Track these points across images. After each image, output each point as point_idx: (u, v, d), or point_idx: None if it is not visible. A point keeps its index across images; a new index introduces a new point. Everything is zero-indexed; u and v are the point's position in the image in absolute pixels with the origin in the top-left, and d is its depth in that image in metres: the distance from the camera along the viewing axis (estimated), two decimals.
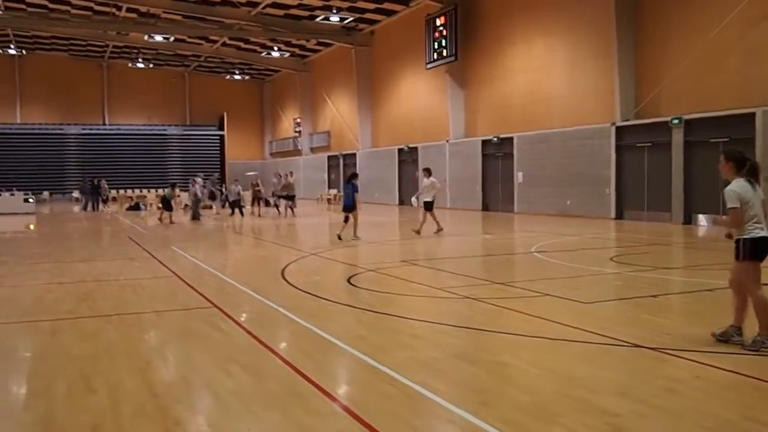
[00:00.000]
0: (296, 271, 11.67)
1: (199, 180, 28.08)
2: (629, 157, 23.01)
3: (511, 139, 27.78)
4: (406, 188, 34.54)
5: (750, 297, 6.19)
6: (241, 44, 43.04)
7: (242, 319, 7.89)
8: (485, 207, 29.73)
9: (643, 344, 6.33)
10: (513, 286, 9.94)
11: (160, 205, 26.24)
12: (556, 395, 4.92)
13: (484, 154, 29.70)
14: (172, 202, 25.81)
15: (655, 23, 21.90)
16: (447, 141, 31.68)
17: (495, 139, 28.62)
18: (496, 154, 29.08)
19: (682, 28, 20.89)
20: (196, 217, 26.20)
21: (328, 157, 43.88)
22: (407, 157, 35.44)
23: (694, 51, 20.28)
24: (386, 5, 33.19)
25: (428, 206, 18.22)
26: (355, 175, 17.61)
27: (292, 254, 14.50)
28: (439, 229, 18.16)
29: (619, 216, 23.26)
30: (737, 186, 6.17)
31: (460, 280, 10.68)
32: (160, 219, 25.06)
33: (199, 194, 27.04)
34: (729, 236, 6.45)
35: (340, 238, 16.43)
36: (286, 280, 10.49)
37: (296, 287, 9.90)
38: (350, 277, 10.78)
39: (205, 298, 9.03)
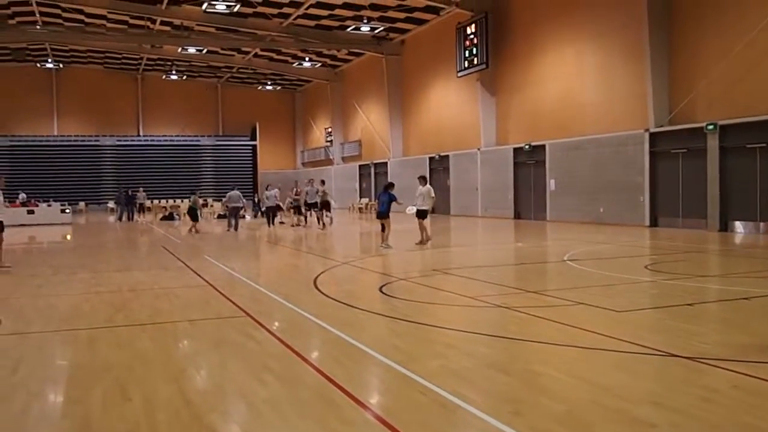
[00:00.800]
0: (328, 280, 11.71)
1: (273, 190, 27.41)
2: (664, 163, 22.74)
3: (543, 146, 27.62)
4: (438, 197, 34.49)
5: None
6: (273, 55, 43.44)
7: (275, 327, 7.94)
8: (517, 215, 29.57)
9: (679, 353, 6.24)
10: (546, 295, 9.87)
11: (188, 216, 26.15)
12: (590, 405, 4.87)
13: (516, 161, 29.57)
14: (199, 212, 25.55)
15: (688, 27, 21.65)
16: (478, 149, 31.61)
17: (527, 146, 28.48)
18: (528, 161, 28.93)
19: (717, 31, 20.62)
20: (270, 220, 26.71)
21: (360, 166, 44.02)
22: (438, 166, 35.41)
23: (729, 55, 20.01)
24: (417, 14, 33.28)
25: (422, 215, 17.87)
26: (391, 185, 17.75)
27: (324, 263, 14.56)
28: (425, 240, 17.58)
29: (654, 223, 22.98)
30: None
31: (493, 288, 10.63)
32: (190, 230, 24.86)
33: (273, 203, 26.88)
34: None
35: (389, 246, 16.64)
36: (318, 289, 10.54)
37: (328, 296, 9.94)
38: (382, 286, 10.79)
39: (238, 307, 9.10)
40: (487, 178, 31.22)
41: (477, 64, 30.66)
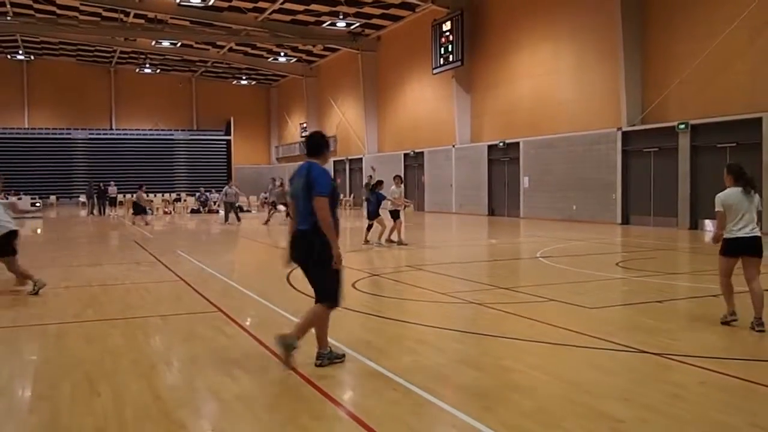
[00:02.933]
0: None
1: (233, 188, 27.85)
2: (636, 162, 22.98)
3: (518, 143, 27.78)
4: (412, 193, 34.55)
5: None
6: (248, 50, 43.17)
7: (247, 323, 7.89)
8: (491, 212, 29.71)
9: (648, 350, 6.31)
10: (518, 291, 9.93)
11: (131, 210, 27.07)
12: (560, 400, 4.91)
13: (490, 159, 29.70)
14: (147, 207, 26.66)
15: (661, 27, 21.88)
16: (453, 146, 31.70)
17: (501, 144, 28.62)
18: (502, 158, 29.08)
19: (689, 32, 20.86)
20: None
21: (335, 161, 43.95)
22: (413, 162, 35.46)
23: (701, 55, 20.26)
24: (392, 11, 33.26)
25: (396, 214, 17.42)
26: (379, 183, 17.77)
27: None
28: (391, 241, 17.09)
29: (626, 221, 23.22)
30: (722, 193, 7.22)
31: (465, 285, 10.67)
32: (133, 222, 25.77)
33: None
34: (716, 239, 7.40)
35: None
36: (291, 285, 10.50)
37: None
38: (355, 282, 10.78)
39: (210, 302, 9.05)
40: (462, 175, 31.33)
41: (452, 61, 30.72)
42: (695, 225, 20.86)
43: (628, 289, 10.35)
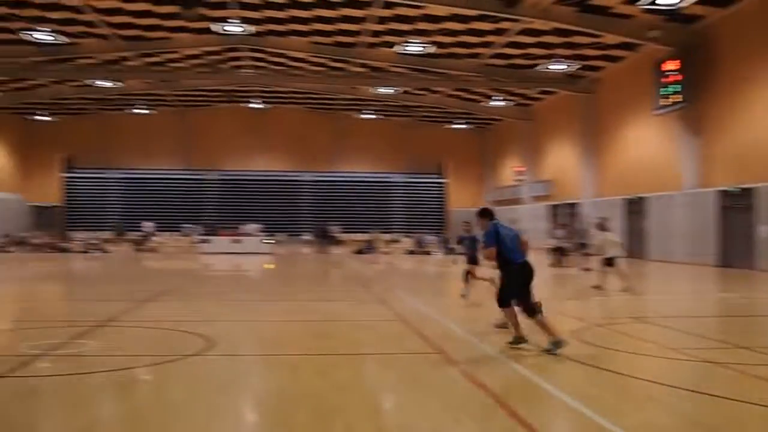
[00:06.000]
0: (521, 322, 11.55)
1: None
2: None
3: (754, 189, 25.63)
4: (633, 240, 33.00)
5: None
6: (464, 94, 43.99)
7: (468, 367, 7.93)
8: (721, 263, 27.54)
9: None
10: (758, 352, 9.10)
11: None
12: None
13: (721, 205, 27.64)
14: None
15: None
16: (678, 191, 29.94)
17: (735, 189, 26.56)
18: (735, 205, 26.93)
19: None
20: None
21: (549, 206, 43.22)
22: (633, 208, 33.92)
23: None
24: (611, 51, 32.37)
25: (611, 262, 16.70)
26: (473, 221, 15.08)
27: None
28: (599, 287, 16.40)
29: None
30: None
31: (696, 341, 9.98)
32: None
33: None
34: None
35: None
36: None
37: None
38: (575, 332, 10.47)
39: (432, 343, 9.21)
40: (688, 222, 29.42)
41: (677, 102, 29.18)
42: None
43: None
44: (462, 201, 53.68)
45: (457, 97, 45.04)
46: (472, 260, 14.28)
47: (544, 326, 8.72)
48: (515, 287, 8.89)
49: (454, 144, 54.78)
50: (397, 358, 8.48)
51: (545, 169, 44.82)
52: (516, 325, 8.95)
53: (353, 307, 13.52)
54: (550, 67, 34.71)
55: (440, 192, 54.07)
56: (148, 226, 43.42)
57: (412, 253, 37.69)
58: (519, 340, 8.90)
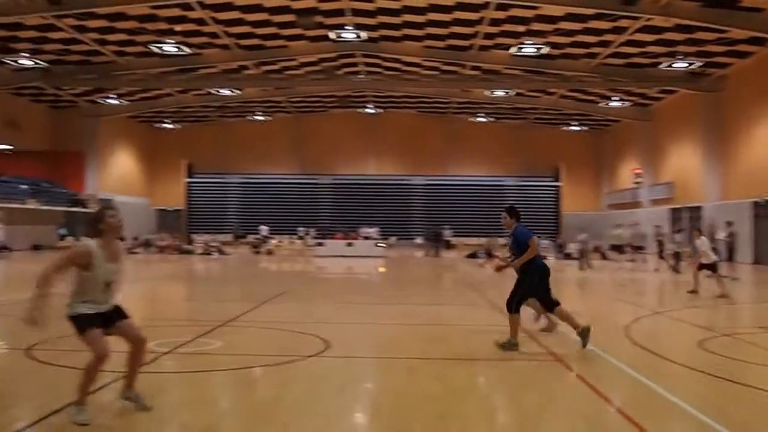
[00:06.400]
0: (640, 329, 11.14)
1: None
2: None
3: None
4: (761, 244, 31.17)
5: None
6: (580, 95, 42.95)
7: (587, 374, 7.69)
8: None
9: None
10: None
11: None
12: None
13: None
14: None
15: None
16: None
17: None
18: None
19: None
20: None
21: (670, 210, 41.48)
22: (762, 211, 32.01)
23: None
24: (739, 47, 30.73)
25: (713, 267, 16.05)
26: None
27: (635, 311, 13.89)
28: (694, 291, 16.07)
29: None
30: None
31: None
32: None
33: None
34: None
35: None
36: (629, 338, 10.06)
37: (642, 346, 9.44)
38: (701, 341, 9.97)
39: (547, 349, 9.01)
40: None
41: None
42: None
43: None
44: (577, 205, 52.45)
45: (573, 98, 44.02)
46: None
47: (567, 318, 9.21)
48: (534, 288, 9.21)
49: (569, 146, 53.55)
50: (513, 363, 8.33)
51: (665, 171, 43.08)
52: (516, 331, 9.04)
53: (467, 311, 13.42)
54: (672, 65, 33.35)
55: (554, 195, 53.02)
56: (263, 229, 44.81)
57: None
58: (513, 345, 8.90)
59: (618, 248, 28.14)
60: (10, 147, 40.19)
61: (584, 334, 8.95)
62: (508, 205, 9.65)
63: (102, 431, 5.23)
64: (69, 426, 5.28)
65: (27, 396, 6.51)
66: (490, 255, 27.52)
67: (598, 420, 5.81)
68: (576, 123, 51.79)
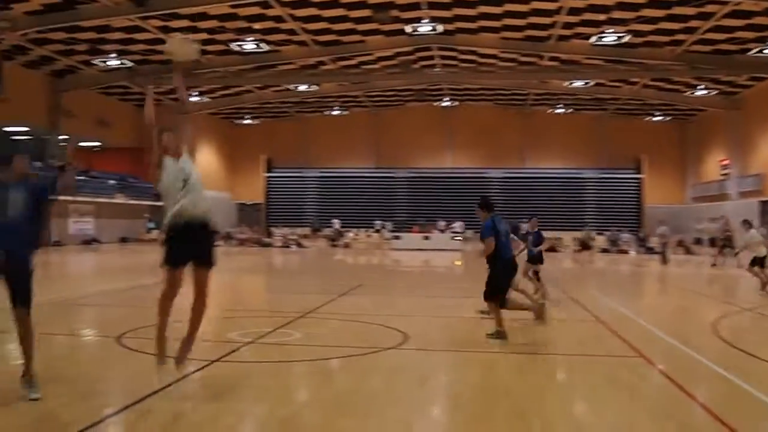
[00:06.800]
0: (728, 326, 10.75)
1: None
2: None
3: None
4: None
5: None
6: (663, 84, 41.62)
7: (672, 372, 7.48)
8: None
9: None
10: None
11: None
12: None
13: None
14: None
15: None
16: None
17: None
18: None
19: None
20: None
21: (763, 202, 39.82)
22: None
23: None
24: None
25: (756, 262, 15.46)
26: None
27: (723, 308, 13.43)
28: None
29: None
30: None
31: None
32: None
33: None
34: None
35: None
36: (718, 335, 9.72)
37: (730, 344, 9.11)
38: None
39: (631, 346, 8.79)
40: None
41: None
42: None
43: None
44: (660, 197, 50.92)
45: (656, 87, 42.72)
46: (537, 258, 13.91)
47: (519, 306, 9.89)
48: (503, 281, 9.33)
49: (652, 137, 51.96)
50: (594, 359, 8.18)
51: (755, 162, 41.37)
52: (500, 320, 9.14)
53: (546, 305, 13.21)
54: (763, 51, 31.97)
55: (636, 188, 51.64)
56: (335, 223, 45.37)
57: (605, 251, 36.30)
58: (501, 334, 8.92)
59: (708, 242, 27.10)
60: (99, 144, 41.94)
61: (540, 312, 9.93)
62: (480, 198, 10.05)
63: (185, 418, 5.39)
64: (154, 412, 5.47)
65: (117, 382, 6.78)
66: (586, 247, 26.95)
67: (686, 419, 5.64)
68: (659, 113, 50.26)
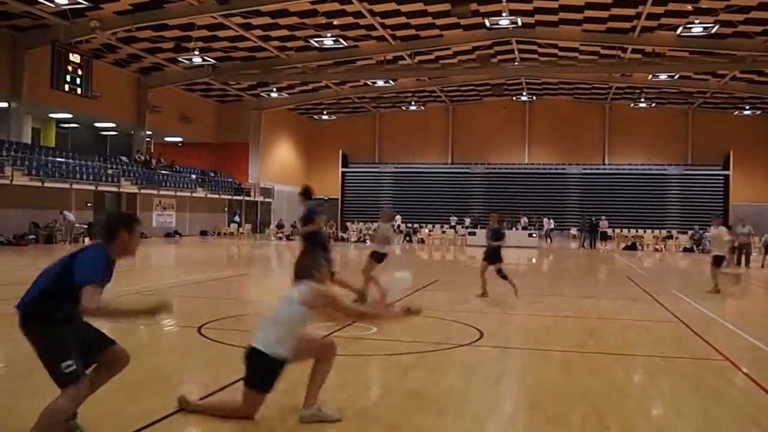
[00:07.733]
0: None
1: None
2: None
3: None
4: None
5: None
6: (754, 77, 39.98)
7: (760, 376, 7.19)
8: None
9: None
10: None
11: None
12: None
13: None
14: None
15: None
16: None
17: None
18: None
19: None
20: None
21: None
22: None
23: None
24: None
25: (717, 261, 14.96)
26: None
27: None
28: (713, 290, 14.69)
29: None
30: None
31: None
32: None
33: None
34: None
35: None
36: None
37: None
38: None
39: (715, 349, 8.50)
40: None
41: None
42: None
43: None
44: (748, 195, 48.88)
45: (745, 80, 41.08)
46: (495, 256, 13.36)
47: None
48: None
49: (740, 132, 49.90)
50: (675, 361, 7.96)
51: None
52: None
53: (624, 305, 12.94)
54: None
55: (722, 185, 49.77)
56: (397, 219, 45.35)
57: (688, 250, 35.17)
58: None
59: None
60: (181, 139, 43.18)
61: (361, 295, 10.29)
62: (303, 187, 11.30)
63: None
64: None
65: (198, 372, 6.99)
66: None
67: None
68: (748, 107, 48.27)
